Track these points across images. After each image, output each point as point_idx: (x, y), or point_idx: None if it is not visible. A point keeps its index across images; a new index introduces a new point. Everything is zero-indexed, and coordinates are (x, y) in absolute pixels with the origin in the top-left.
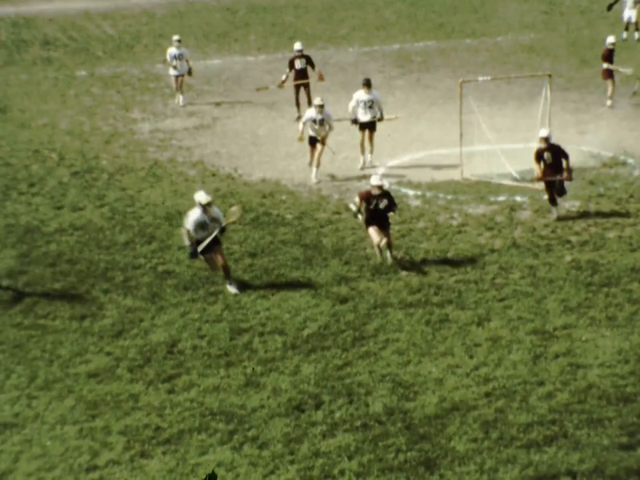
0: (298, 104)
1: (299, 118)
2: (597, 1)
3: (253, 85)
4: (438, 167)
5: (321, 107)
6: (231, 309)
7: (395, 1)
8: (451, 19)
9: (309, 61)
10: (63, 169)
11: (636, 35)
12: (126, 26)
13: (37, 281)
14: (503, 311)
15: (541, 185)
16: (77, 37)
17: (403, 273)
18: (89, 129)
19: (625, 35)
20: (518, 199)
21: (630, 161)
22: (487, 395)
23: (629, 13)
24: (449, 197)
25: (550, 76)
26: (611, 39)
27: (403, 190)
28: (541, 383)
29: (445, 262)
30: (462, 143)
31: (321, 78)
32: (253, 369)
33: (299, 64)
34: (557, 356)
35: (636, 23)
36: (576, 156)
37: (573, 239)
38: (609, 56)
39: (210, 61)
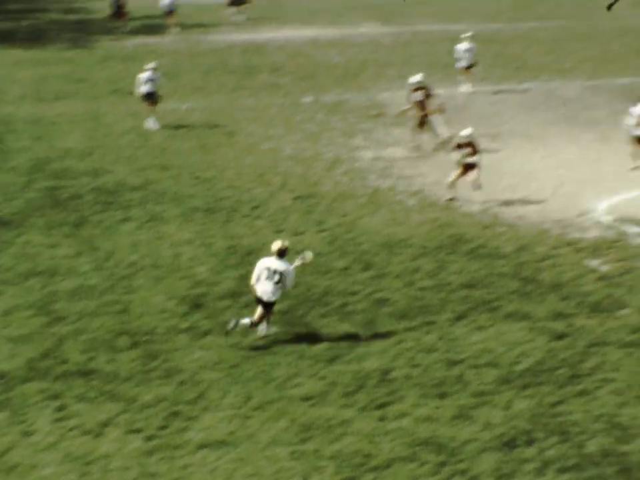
0: (421, 131)
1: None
2: None
3: (477, 116)
4: None
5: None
6: (445, 339)
7: (624, 35)
8: None
9: (428, 93)
10: (285, 193)
11: None
12: (352, 54)
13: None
14: None
15: None
16: (304, 64)
17: (623, 312)
18: (312, 155)
19: None
20: None
21: None
22: None
23: None
24: None
25: None
26: None
27: (624, 227)
28: None
29: None
30: None
31: (440, 110)
32: None
33: (418, 96)
34: None
35: None
36: None
37: None
38: None
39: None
